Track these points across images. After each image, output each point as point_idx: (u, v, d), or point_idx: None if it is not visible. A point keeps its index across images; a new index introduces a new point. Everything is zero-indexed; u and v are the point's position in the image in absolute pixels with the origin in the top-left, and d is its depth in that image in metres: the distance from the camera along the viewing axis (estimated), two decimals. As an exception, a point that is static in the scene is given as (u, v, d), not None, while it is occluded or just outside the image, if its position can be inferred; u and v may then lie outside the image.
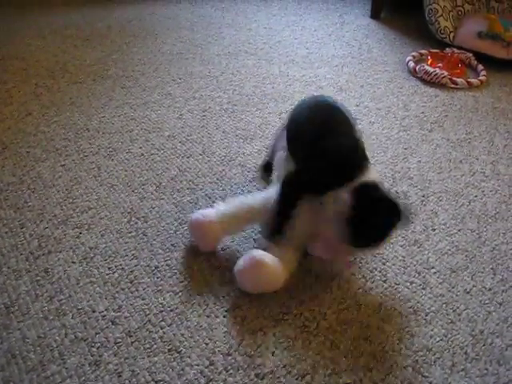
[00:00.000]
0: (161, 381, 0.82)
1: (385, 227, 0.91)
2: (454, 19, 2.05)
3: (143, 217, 1.14)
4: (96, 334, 0.88)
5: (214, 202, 1.17)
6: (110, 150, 1.36)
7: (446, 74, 1.75)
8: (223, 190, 1.22)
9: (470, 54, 1.90)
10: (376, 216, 0.89)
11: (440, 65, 1.84)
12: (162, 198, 1.19)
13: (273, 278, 0.94)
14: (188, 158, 1.34)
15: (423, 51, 1.95)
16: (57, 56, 1.86)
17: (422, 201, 1.23)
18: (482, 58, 1.89)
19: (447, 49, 1.94)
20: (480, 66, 1.87)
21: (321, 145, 0.98)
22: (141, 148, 1.37)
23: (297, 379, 0.83)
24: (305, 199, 0.96)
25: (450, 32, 1.99)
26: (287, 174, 1.00)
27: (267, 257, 0.94)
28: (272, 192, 1.02)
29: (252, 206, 1.03)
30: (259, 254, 0.94)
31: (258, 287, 0.95)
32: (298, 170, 1.00)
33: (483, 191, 1.28)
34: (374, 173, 0.96)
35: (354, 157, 0.97)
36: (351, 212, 0.89)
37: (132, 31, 2.10)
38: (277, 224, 0.97)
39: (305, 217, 0.97)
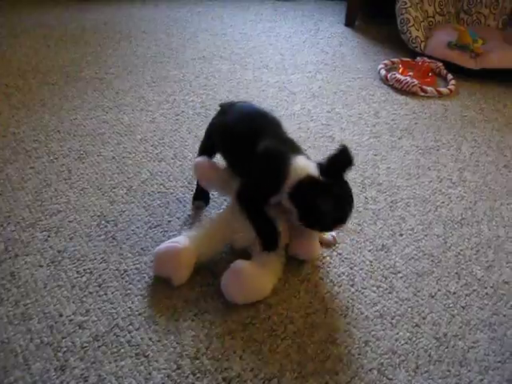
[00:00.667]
0: (127, 385, 0.81)
1: (333, 210, 0.93)
2: (425, 29, 2.10)
3: (113, 220, 1.13)
4: (62, 338, 0.88)
5: (184, 206, 1.18)
6: (81, 152, 1.35)
7: (416, 82, 1.79)
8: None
9: (440, 64, 1.95)
10: (321, 208, 0.92)
11: (411, 73, 1.88)
12: (133, 202, 1.19)
13: (259, 287, 0.95)
14: (160, 161, 1.33)
15: (395, 59, 1.99)
16: (28, 56, 1.83)
17: (391, 206, 1.25)
18: (451, 67, 1.94)
19: (418, 58, 1.99)
20: (449, 76, 1.91)
21: (251, 153, 0.99)
22: (112, 151, 1.36)
23: (264, 382, 0.84)
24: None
25: (422, 41, 2.03)
26: (236, 191, 1.00)
27: (251, 266, 0.94)
28: (234, 211, 1.02)
29: (221, 226, 1.02)
30: (242, 264, 0.94)
31: (246, 297, 0.95)
32: (241, 185, 1.01)
33: (450, 197, 1.31)
34: (303, 163, 0.96)
35: (279, 162, 0.97)
36: (298, 212, 0.95)
37: (107, 33, 2.08)
38: (263, 235, 0.98)
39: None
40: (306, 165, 0.96)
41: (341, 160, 0.96)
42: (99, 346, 0.87)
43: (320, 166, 0.96)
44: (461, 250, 1.15)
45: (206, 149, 1.15)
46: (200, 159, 1.11)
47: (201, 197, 1.17)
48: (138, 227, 1.12)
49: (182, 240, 0.99)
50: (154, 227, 1.12)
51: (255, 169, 0.99)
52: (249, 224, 0.98)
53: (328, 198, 0.92)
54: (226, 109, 1.14)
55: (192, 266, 0.99)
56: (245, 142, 1.02)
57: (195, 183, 1.18)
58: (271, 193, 0.97)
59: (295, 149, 1.01)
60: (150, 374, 0.83)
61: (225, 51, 2.01)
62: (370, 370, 0.87)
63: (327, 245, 1.11)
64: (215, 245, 1.02)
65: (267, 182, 0.97)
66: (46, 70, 1.75)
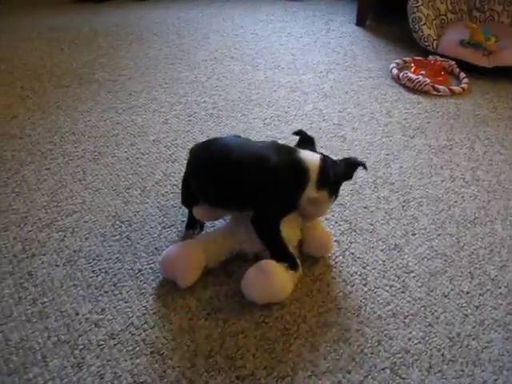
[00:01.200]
0: (143, 382, 0.83)
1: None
2: (438, 27, 2.09)
3: (127, 220, 1.15)
4: (79, 336, 0.89)
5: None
6: (96, 153, 1.37)
7: (428, 81, 1.78)
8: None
9: (453, 62, 1.94)
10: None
11: (423, 72, 1.87)
12: (147, 202, 1.20)
13: (282, 288, 0.96)
14: (173, 162, 1.35)
15: (407, 58, 1.98)
16: (43, 59, 1.86)
17: (403, 206, 1.25)
18: (464, 65, 1.93)
19: (430, 56, 1.98)
20: (462, 74, 1.90)
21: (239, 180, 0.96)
22: (126, 152, 1.38)
23: (277, 381, 0.84)
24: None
25: (434, 40, 2.02)
26: (254, 218, 0.96)
27: (277, 267, 0.95)
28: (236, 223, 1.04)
29: (228, 236, 1.03)
30: (270, 264, 0.94)
31: (266, 297, 0.95)
32: (259, 210, 0.96)
33: (463, 197, 1.30)
34: (309, 154, 1.00)
35: (294, 168, 0.96)
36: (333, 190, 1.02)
37: (119, 35, 2.11)
38: (286, 258, 0.97)
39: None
40: (312, 154, 1.00)
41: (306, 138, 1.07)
42: (115, 344, 0.88)
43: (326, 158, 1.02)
44: (474, 250, 1.14)
45: (188, 198, 1.09)
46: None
47: (195, 225, 1.11)
48: (152, 227, 1.13)
49: (190, 242, 1.01)
50: (168, 227, 1.13)
51: (274, 186, 0.94)
52: (253, 233, 0.97)
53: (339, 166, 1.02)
54: (195, 153, 1.06)
55: (200, 269, 1.00)
56: (230, 170, 0.97)
57: (187, 212, 1.13)
58: (297, 198, 0.97)
59: (289, 148, 1.02)
60: (164, 371, 0.85)
61: (236, 52, 2.02)
62: (382, 369, 0.88)
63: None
64: (223, 251, 1.02)
65: (292, 189, 0.96)
66: (60, 73, 1.77)
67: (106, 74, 1.79)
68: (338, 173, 1.01)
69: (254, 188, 0.94)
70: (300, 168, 0.96)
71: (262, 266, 0.94)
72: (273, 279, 0.93)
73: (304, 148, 1.02)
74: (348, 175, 1.04)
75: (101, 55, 1.92)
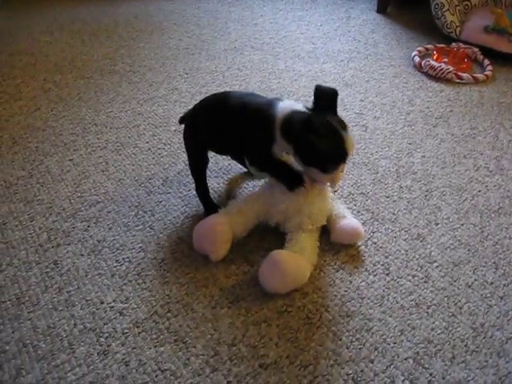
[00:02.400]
0: (167, 370, 0.84)
1: (330, 138, 0.92)
2: (461, 13, 2.05)
3: (150, 210, 1.16)
4: (104, 324, 0.91)
5: (219, 196, 1.20)
6: (118, 144, 1.38)
7: (451, 69, 1.75)
8: (228, 184, 1.24)
9: (476, 49, 1.90)
10: (310, 138, 0.91)
11: (446, 60, 1.84)
12: (169, 192, 1.21)
13: (298, 275, 0.96)
14: (194, 152, 1.35)
15: (429, 46, 1.95)
16: (64, 51, 1.88)
17: (426, 195, 1.24)
18: (488, 52, 1.89)
19: (453, 43, 1.94)
20: (486, 61, 1.86)
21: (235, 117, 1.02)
22: (148, 143, 1.39)
23: (299, 369, 0.85)
24: None
25: (457, 27, 1.99)
26: (246, 159, 1.05)
27: (288, 255, 0.96)
28: (267, 187, 1.07)
29: (255, 202, 1.05)
30: (279, 254, 0.96)
31: (285, 287, 0.96)
32: (246, 150, 1.04)
33: (487, 186, 1.28)
34: (287, 103, 0.99)
35: (262, 109, 0.99)
36: (294, 149, 0.96)
37: (139, 26, 2.11)
38: (285, 177, 1.01)
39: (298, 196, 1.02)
40: (290, 104, 0.99)
41: (323, 93, 0.98)
42: (139, 332, 0.90)
43: (307, 107, 0.98)
44: (498, 240, 1.13)
45: (200, 159, 1.14)
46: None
47: (213, 208, 1.12)
48: (174, 217, 1.14)
49: (216, 217, 1.03)
50: (190, 217, 1.14)
51: (246, 128, 1.00)
52: (282, 199, 1.01)
53: (317, 126, 0.92)
54: (197, 111, 1.13)
55: (229, 241, 1.02)
56: (232, 116, 1.03)
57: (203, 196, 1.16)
58: (269, 141, 0.98)
59: (280, 99, 1.02)
60: (188, 359, 0.86)
61: (256, 41, 2.01)
62: (405, 359, 0.87)
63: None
64: (249, 220, 1.05)
65: (261, 132, 0.98)
66: (81, 65, 1.79)
67: (127, 65, 1.80)
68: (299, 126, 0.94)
69: (237, 131, 1.02)
70: (268, 114, 0.97)
71: (272, 257, 0.95)
72: (285, 269, 0.94)
73: (323, 105, 0.97)
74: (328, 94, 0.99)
75: (121, 46, 1.93)
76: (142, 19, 2.19)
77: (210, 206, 1.13)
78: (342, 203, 1.14)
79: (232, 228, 1.02)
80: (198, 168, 1.15)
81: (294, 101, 1.02)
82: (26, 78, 1.69)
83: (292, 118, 0.95)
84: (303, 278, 0.97)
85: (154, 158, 1.33)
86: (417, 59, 1.85)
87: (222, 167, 1.30)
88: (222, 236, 1.01)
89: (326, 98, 0.98)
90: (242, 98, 1.05)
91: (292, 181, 1.00)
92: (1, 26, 2.08)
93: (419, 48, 1.93)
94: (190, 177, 1.25)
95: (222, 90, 1.51)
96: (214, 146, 1.12)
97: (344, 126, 0.95)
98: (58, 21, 2.14)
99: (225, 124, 1.04)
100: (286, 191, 1.01)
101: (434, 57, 1.87)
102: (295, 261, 0.96)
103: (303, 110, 0.97)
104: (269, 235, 1.08)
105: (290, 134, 0.95)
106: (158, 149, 1.36)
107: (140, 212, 1.15)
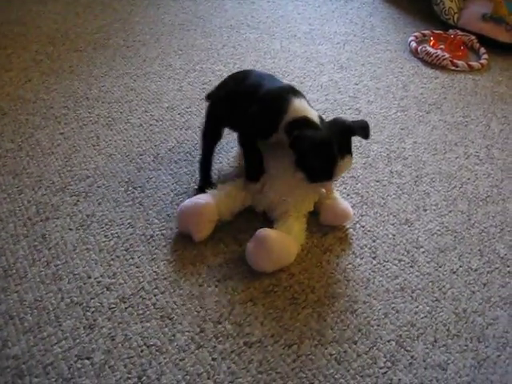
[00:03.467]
0: (153, 345, 0.85)
1: (323, 157, 0.95)
2: (459, 0, 2.03)
3: (140, 187, 1.15)
4: (91, 298, 0.91)
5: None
6: (109, 119, 1.37)
7: (447, 55, 1.75)
8: (220, 162, 1.24)
9: (473, 37, 1.89)
10: (311, 149, 0.94)
11: (442, 46, 1.83)
12: (160, 169, 1.21)
13: (285, 253, 0.97)
14: (186, 130, 1.35)
15: (426, 32, 1.94)
16: (57, 23, 1.84)
17: (416, 181, 1.25)
18: (484, 41, 1.88)
19: (450, 30, 1.93)
20: (482, 49, 1.86)
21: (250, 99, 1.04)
22: (140, 118, 1.38)
23: (283, 348, 0.86)
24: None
25: (455, 13, 1.97)
26: (240, 132, 1.09)
27: (275, 233, 0.96)
28: None
29: (241, 188, 1.06)
30: (266, 232, 0.96)
31: (272, 265, 0.97)
32: (244, 125, 1.06)
33: (476, 174, 1.29)
34: (303, 106, 1.00)
35: (277, 99, 1.01)
36: (291, 150, 0.97)
37: (134, 0, 2.07)
38: (249, 165, 1.05)
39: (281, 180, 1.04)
40: (305, 108, 1.00)
41: (354, 128, 1.01)
42: (126, 308, 0.90)
43: (322, 118, 1.01)
44: (485, 228, 1.14)
45: (214, 133, 1.16)
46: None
47: (208, 184, 1.12)
48: (164, 194, 1.14)
49: (204, 197, 1.03)
50: (180, 194, 1.14)
51: (257, 107, 1.02)
52: (268, 189, 1.03)
53: (314, 138, 0.94)
54: (220, 89, 1.17)
55: (213, 222, 1.03)
56: (249, 96, 1.05)
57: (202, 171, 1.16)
58: (270, 129, 1.01)
59: (297, 93, 1.03)
60: (174, 335, 0.87)
61: (252, 20, 1.98)
62: (388, 341, 0.89)
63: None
64: (236, 204, 1.05)
65: (267, 117, 1.01)
66: (74, 37, 1.76)
67: (121, 39, 1.77)
68: (304, 139, 0.95)
69: (247, 110, 1.03)
70: (279, 107, 0.99)
71: (258, 236, 0.96)
72: (271, 246, 0.95)
73: (343, 140, 0.99)
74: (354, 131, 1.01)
75: (116, 20, 1.90)
76: (138, -7, 2.15)
77: (206, 181, 1.13)
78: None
79: (218, 209, 1.02)
80: (209, 140, 1.16)
81: (307, 102, 1.03)
82: (18, 48, 1.66)
83: (298, 124, 0.97)
84: (289, 256, 0.98)
85: (145, 134, 1.32)
86: (413, 44, 1.84)
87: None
88: (208, 216, 1.01)
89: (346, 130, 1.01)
90: (260, 80, 1.08)
91: (252, 173, 1.04)
92: (-8, -7, 2.04)
93: (416, 33, 1.92)
94: (182, 154, 1.25)
95: (216, 69, 1.50)
96: (228, 122, 1.15)
97: (344, 152, 0.97)
98: (52, -9, 2.10)
99: (239, 102, 1.07)
100: (273, 181, 1.03)
101: (431, 43, 1.86)
102: (282, 239, 0.96)
103: (315, 119, 0.99)
104: (258, 215, 1.08)
105: (292, 133, 0.97)
106: (150, 125, 1.36)
107: (130, 188, 1.15)
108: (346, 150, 0.98)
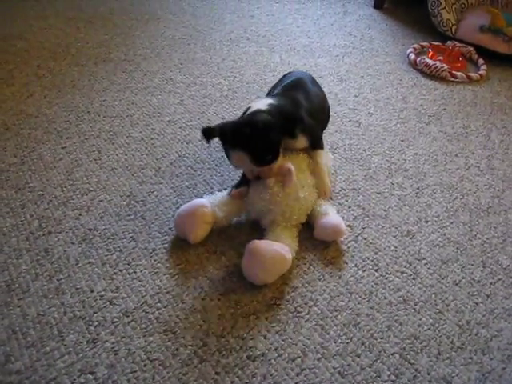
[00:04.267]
0: (156, 360, 0.84)
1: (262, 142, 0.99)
2: (457, 12, 2.05)
3: (142, 200, 1.16)
4: (94, 313, 0.91)
5: (211, 187, 1.20)
6: (111, 133, 1.37)
7: (446, 67, 1.76)
8: (221, 176, 1.24)
9: (471, 48, 1.91)
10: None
11: (441, 58, 1.85)
12: (161, 183, 1.21)
13: (276, 259, 0.96)
14: (187, 143, 1.35)
15: (424, 43, 1.96)
16: (59, 38, 1.86)
17: (417, 193, 1.25)
18: (483, 52, 1.90)
19: (449, 42, 1.95)
20: (481, 61, 1.87)
21: None
22: (141, 132, 1.38)
23: (287, 362, 0.86)
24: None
25: (453, 25, 1.99)
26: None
27: (262, 243, 0.97)
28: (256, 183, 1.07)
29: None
30: (253, 243, 0.96)
31: (268, 274, 0.96)
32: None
33: (477, 185, 1.30)
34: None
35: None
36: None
37: (134, 15, 2.10)
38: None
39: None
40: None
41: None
42: (129, 322, 0.90)
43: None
44: (487, 239, 1.14)
45: None
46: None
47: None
48: (166, 208, 1.14)
49: (199, 200, 1.06)
50: (182, 208, 1.14)
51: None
52: (255, 198, 1.05)
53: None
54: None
55: (209, 224, 1.05)
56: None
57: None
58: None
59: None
60: (177, 349, 0.86)
61: (252, 33, 2.00)
62: (392, 354, 0.89)
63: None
64: (231, 209, 1.07)
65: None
66: (75, 52, 1.77)
67: (122, 53, 1.78)
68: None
69: None
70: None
71: (248, 249, 0.96)
72: (262, 257, 0.95)
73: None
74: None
75: (116, 34, 1.92)
76: (138, 8, 2.17)
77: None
78: (327, 200, 1.15)
79: (212, 212, 1.04)
80: None
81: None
82: (20, 63, 1.67)
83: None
84: (284, 261, 0.97)
85: (146, 148, 1.32)
86: (412, 56, 1.85)
87: (215, 159, 1.30)
88: (202, 217, 1.03)
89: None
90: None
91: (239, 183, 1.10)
92: (-6, 9, 2.06)
93: (414, 45, 1.94)
94: (183, 168, 1.26)
95: (216, 82, 1.51)
96: None
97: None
98: (53, 6, 2.12)
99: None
100: (260, 191, 1.05)
101: (429, 54, 1.88)
102: (271, 247, 0.96)
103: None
104: (259, 228, 1.08)
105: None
106: (151, 139, 1.36)
107: (132, 202, 1.15)
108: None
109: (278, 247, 0.98)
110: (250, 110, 1.04)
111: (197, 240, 1.04)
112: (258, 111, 1.02)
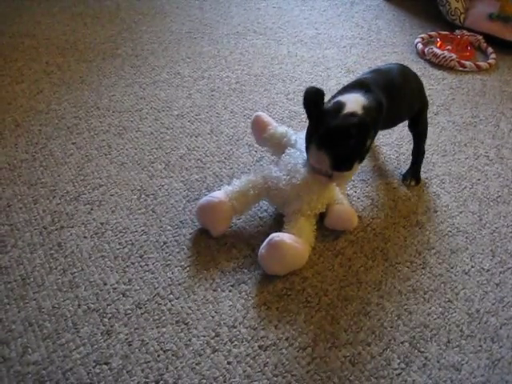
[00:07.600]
0: (169, 350, 0.86)
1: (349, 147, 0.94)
2: (465, 0, 2.04)
3: (152, 194, 1.17)
4: (107, 305, 0.93)
5: (221, 180, 1.21)
6: (120, 128, 1.39)
7: (454, 56, 1.75)
8: (231, 168, 1.25)
9: (480, 37, 1.89)
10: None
11: (449, 47, 1.84)
12: (171, 176, 1.22)
13: (297, 256, 0.98)
14: (196, 137, 1.36)
15: (432, 33, 1.95)
16: (66, 34, 1.87)
17: (426, 183, 1.25)
18: (492, 40, 1.89)
19: (457, 31, 1.94)
20: (490, 49, 1.86)
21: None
22: (150, 127, 1.40)
23: (298, 351, 0.87)
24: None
25: (461, 13, 1.98)
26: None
27: (287, 238, 0.97)
28: (272, 169, 1.08)
29: (257, 182, 1.07)
30: (278, 237, 0.97)
31: (285, 268, 0.98)
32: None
33: (486, 175, 1.29)
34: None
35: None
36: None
37: (141, 9, 2.10)
38: None
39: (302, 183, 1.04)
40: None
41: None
42: (142, 313, 0.92)
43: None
44: (496, 228, 1.14)
45: None
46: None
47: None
48: (176, 201, 1.15)
49: (218, 195, 1.05)
50: (192, 201, 1.15)
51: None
52: (285, 184, 1.04)
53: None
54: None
55: (229, 218, 1.06)
56: None
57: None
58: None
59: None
60: (189, 340, 0.88)
61: (259, 26, 2.00)
62: (401, 343, 0.89)
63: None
64: (249, 200, 1.07)
65: None
66: (83, 48, 1.78)
67: (129, 48, 1.79)
68: None
69: None
70: None
71: (272, 242, 0.97)
72: (284, 251, 0.96)
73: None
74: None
75: (123, 30, 1.93)
76: (145, 2, 2.17)
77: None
78: (340, 190, 1.15)
79: (232, 206, 1.04)
80: None
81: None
82: (28, 60, 1.69)
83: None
84: (302, 260, 0.99)
85: (156, 142, 1.34)
86: (420, 46, 1.84)
87: (224, 152, 1.31)
88: (222, 214, 1.04)
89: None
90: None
91: None
92: (2, 7, 2.07)
93: (422, 35, 1.93)
94: (192, 161, 1.27)
95: (224, 75, 1.51)
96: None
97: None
98: (60, 2, 2.13)
99: None
100: (291, 176, 1.04)
101: (438, 44, 1.87)
102: (294, 243, 0.97)
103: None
104: (269, 220, 1.10)
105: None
106: (161, 133, 1.37)
107: (142, 195, 1.17)
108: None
109: (301, 245, 0.98)
110: (345, 111, 0.96)
111: (220, 234, 1.06)
112: (354, 114, 0.95)
